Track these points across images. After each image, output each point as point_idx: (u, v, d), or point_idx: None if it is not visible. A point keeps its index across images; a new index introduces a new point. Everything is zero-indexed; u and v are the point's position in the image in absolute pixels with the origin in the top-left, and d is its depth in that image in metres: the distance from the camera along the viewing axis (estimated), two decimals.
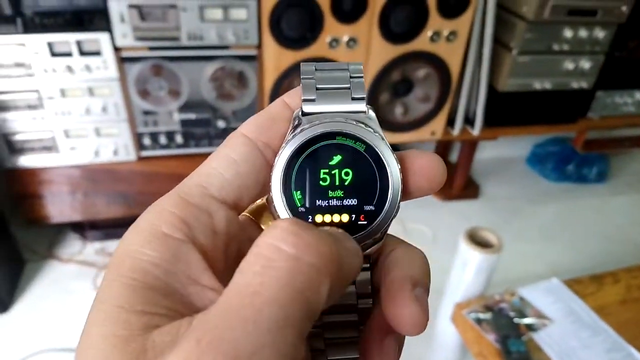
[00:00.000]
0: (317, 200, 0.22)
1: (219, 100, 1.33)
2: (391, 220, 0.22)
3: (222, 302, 0.15)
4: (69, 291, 1.38)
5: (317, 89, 0.22)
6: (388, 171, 0.22)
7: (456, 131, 1.60)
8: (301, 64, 0.23)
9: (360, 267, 0.19)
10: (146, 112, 1.31)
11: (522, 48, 1.46)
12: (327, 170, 0.22)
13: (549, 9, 1.39)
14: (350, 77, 0.23)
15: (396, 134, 1.54)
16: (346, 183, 0.22)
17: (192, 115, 1.33)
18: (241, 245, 0.21)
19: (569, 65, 1.53)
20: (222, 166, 0.21)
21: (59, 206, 1.40)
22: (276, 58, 1.29)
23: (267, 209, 0.23)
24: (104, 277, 0.18)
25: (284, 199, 0.21)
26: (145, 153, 1.38)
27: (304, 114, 0.22)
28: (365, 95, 0.22)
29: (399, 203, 0.22)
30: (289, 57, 1.29)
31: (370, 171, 0.22)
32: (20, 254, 1.45)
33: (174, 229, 0.19)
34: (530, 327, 0.94)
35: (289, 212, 0.21)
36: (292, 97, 0.23)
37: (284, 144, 0.22)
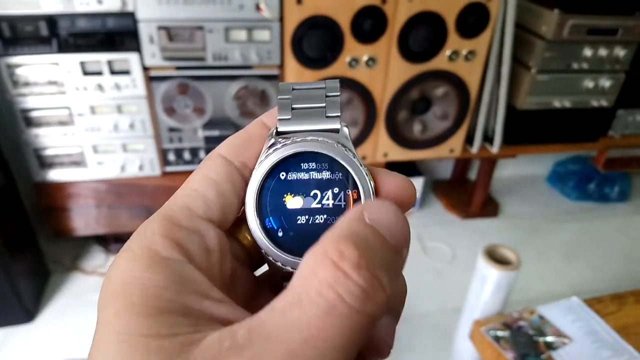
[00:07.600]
0: (290, 222, 0.22)
1: (242, 117, 1.37)
2: None
3: (282, 337, 0.15)
4: (91, 303, 1.39)
5: (293, 108, 0.22)
6: (360, 189, 0.21)
7: (475, 149, 1.60)
8: (279, 84, 0.23)
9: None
10: (171, 129, 1.35)
11: (541, 67, 1.47)
12: (299, 190, 0.22)
13: (568, 29, 1.40)
14: (326, 96, 0.22)
15: (414, 151, 1.55)
16: (318, 203, 0.22)
17: (215, 132, 1.37)
18: (233, 262, 0.21)
19: (589, 83, 1.53)
20: (203, 187, 0.21)
21: (85, 219, 1.44)
22: (297, 77, 1.32)
23: (244, 223, 0.23)
24: (104, 306, 0.17)
25: (258, 222, 0.22)
26: (169, 168, 1.42)
27: (278, 133, 0.22)
28: (339, 113, 0.22)
29: None
30: (310, 76, 1.32)
31: (342, 190, 0.21)
32: (46, 265, 1.47)
33: (171, 251, 0.19)
34: (549, 346, 0.93)
35: (264, 235, 0.22)
36: (269, 118, 0.23)
37: (256, 165, 0.22)
